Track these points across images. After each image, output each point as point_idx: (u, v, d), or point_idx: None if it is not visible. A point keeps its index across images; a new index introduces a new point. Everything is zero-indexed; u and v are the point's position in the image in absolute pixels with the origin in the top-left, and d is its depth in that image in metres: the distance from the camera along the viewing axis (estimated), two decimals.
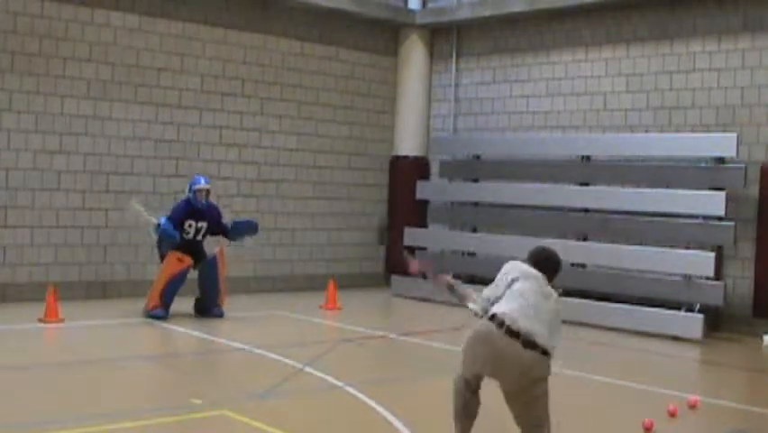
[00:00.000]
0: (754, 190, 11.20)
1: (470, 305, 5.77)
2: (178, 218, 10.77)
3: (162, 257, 10.87)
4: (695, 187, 11.29)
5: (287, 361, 8.41)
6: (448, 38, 14.93)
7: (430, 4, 14.93)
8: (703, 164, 11.36)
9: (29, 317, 10.22)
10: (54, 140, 11.73)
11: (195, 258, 10.90)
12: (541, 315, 5.35)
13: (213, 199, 11.29)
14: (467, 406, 5.62)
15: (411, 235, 14.18)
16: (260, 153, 13.63)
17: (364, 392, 7.22)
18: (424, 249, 14.26)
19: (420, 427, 6.36)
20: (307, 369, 8.06)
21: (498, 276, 5.68)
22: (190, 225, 10.81)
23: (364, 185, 14.92)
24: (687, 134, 11.82)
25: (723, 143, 11.11)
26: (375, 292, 14.25)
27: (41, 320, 10.10)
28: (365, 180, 14.94)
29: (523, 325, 5.21)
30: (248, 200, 13.45)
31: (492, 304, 5.51)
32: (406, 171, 14.86)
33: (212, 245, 11.25)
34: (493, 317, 5.34)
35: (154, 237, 10.91)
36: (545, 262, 5.74)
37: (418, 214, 14.41)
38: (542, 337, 5.27)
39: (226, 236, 11.30)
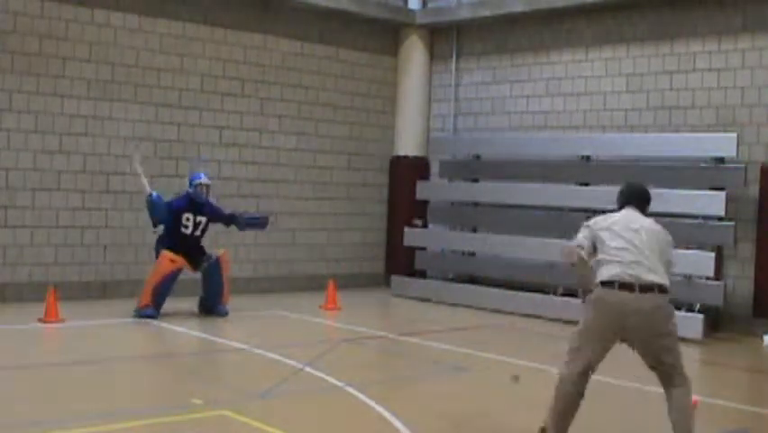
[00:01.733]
0: (754, 190, 11.20)
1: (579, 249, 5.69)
2: (176, 208, 10.82)
3: (157, 256, 10.87)
4: (695, 187, 11.29)
5: (287, 361, 8.41)
6: (448, 38, 14.93)
7: (430, 4, 14.93)
8: (703, 164, 11.36)
9: (29, 317, 10.22)
10: (54, 140, 11.73)
11: (194, 257, 10.92)
12: (648, 257, 5.50)
13: (212, 200, 11.30)
14: (574, 406, 5.63)
15: (411, 235, 14.19)
16: (260, 153, 13.63)
17: (364, 392, 7.22)
18: (423, 249, 14.28)
19: (420, 427, 6.36)
20: (307, 369, 8.06)
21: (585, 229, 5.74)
22: (188, 219, 10.85)
23: (364, 185, 14.92)
24: (687, 134, 11.82)
25: (723, 143, 11.11)
26: (375, 292, 14.25)
27: (40, 320, 10.10)
28: (365, 180, 14.94)
29: (630, 274, 5.39)
30: (248, 200, 13.45)
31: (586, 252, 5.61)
32: (406, 171, 14.87)
33: (215, 249, 11.32)
34: (601, 283, 5.46)
35: (153, 231, 10.97)
36: (631, 198, 5.90)
37: (418, 214, 14.40)
38: (656, 277, 5.47)
39: (237, 225, 11.40)
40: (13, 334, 9.63)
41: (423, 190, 14.31)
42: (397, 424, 6.35)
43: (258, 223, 11.73)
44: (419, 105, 15.12)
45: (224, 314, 11.02)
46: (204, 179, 10.99)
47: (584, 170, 12.46)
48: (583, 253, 5.62)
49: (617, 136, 12.48)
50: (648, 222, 5.78)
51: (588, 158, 12.48)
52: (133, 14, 12.33)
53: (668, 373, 5.51)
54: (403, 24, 14.92)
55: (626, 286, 5.39)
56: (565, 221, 12.57)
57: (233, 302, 11.54)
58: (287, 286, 13.83)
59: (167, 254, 10.71)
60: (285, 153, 13.93)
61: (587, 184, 12.40)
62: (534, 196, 12.83)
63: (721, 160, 11.20)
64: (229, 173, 13.26)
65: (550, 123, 13.55)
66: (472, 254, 13.72)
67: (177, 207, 10.85)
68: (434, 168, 14.87)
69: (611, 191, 12.25)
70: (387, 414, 6.60)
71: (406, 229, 14.24)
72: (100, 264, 12.16)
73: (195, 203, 10.91)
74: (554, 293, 12.18)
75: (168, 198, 11.13)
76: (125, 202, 12.28)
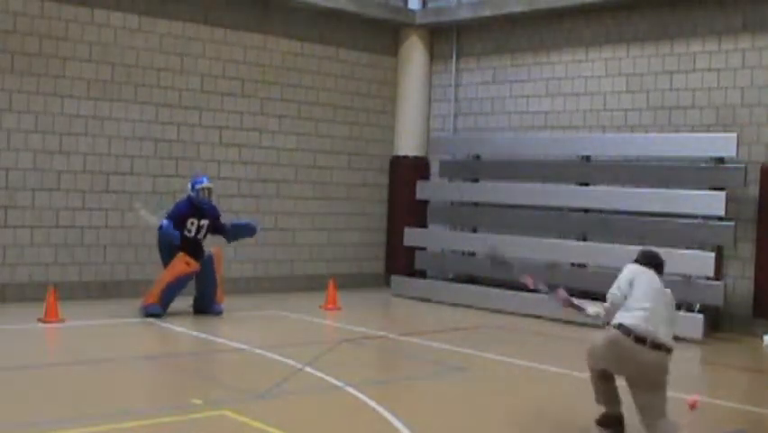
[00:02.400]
0: (754, 190, 11.20)
1: (590, 310, 6.60)
2: (179, 216, 10.83)
3: (166, 263, 10.88)
4: (695, 187, 11.29)
5: (287, 361, 8.41)
6: (448, 38, 14.93)
7: (430, 4, 14.93)
8: (703, 164, 11.36)
9: (29, 317, 10.22)
10: (54, 140, 11.73)
11: (197, 258, 10.95)
12: (662, 314, 6.09)
13: (212, 200, 11.30)
14: (606, 392, 6.34)
15: (411, 235, 14.19)
16: (260, 153, 13.63)
17: (364, 392, 7.22)
18: (423, 249, 14.28)
19: (420, 427, 6.36)
20: (307, 369, 8.06)
21: (619, 278, 6.32)
22: (192, 223, 10.88)
23: (364, 185, 14.92)
24: (687, 134, 11.82)
25: (723, 143, 11.11)
26: (375, 292, 14.25)
27: (40, 320, 10.10)
28: (365, 180, 14.94)
29: (649, 333, 5.96)
30: (248, 200, 13.45)
31: (617, 306, 6.22)
32: (406, 171, 14.87)
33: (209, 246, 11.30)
34: (620, 327, 6.03)
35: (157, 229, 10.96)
36: (652, 260, 6.44)
37: (418, 214, 14.40)
38: (665, 337, 6.03)
39: (225, 237, 11.37)
40: (13, 334, 9.63)
41: (423, 190, 14.31)
42: (397, 424, 6.35)
43: (245, 230, 11.57)
44: (419, 105, 15.12)
45: (218, 313, 11.02)
46: (206, 183, 11.02)
47: (584, 170, 12.46)
48: (612, 309, 6.29)
49: (617, 136, 12.48)
50: (664, 286, 6.32)
51: (588, 158, 12.48)
52: (133, 14, 12.33)
53: (646, 414, 6.04)
54: (403, 24, 14.92)
55: (640, 340, 5.96)
56: (565, 221, 12.60)
57: (233, 302, 11.55)
58: (287, 286, 13.83)
59: (183, 257, 10.74)
60: (285, 153, 13.92)
61: (587, 184, 12.40)
62: (534, 196, 12.83)
63: (721, 160, 11.20)
64: (229, 173, 13.25)
65: (550, 123, 13.55)
66: (472, 254, 13.72)
67: (180, 214, 10.85)
68: (434, 168, 14.87)
69: (611, 191, 12.39)
70: (387, 414, 6.60)
71: (407, 229, 14.24)
72: (100, 264, 12.16)
73: (197, 207, 10.93)
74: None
75: (169, 200, 11.14)
76: (125, 202, 12.28)
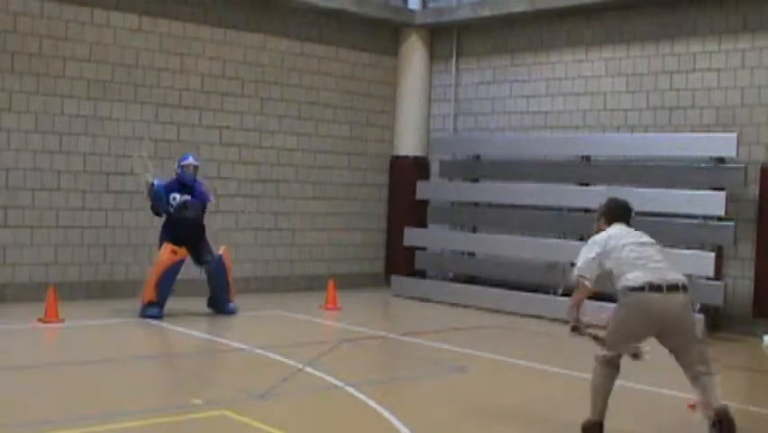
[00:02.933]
0: (754, 190, 11.20)
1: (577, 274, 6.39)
2: (161, 188, 10.87)
3: (161, 246, 10.91)
4: (695, 187, 11.29)
5: (287, 361, 8.41)
6: (448, 38, 14.93)
7: (430, 4, 14.93)
8: (703, 164, 11.36)
9: (29, 317, 10.22)
10: (54, 140, 11.73)
11: (196, 244, 10.95)
12: (660, 262, 6.02)
13: (200, 181, 11.33)
14: (604, 395, 6.15)
15: (411, 235, 14.19)
16: (260, 153, 13.63)
17: (364, 392, 7.22)
18: (423, 249, 14.28)
19: (420, 427, 6.36)
20: (307, 369, 8.06)
21: (589, 246, 6.27)
22: (174, 199, 10.89)
23: (364, 185, 14.92)
24: (687, 134, 11.81)
25: (723, 143, 11.11)
26: (375, 292, 14.25)
27: (40, 320, 10.10)
28: (365, 180, 14.94)
29: (657, 279, 5.88)
30: (248, 200, 13.45)
31: (596, 270, 6.17)
32: (406, 171, 14.86)
33: (217, 246, 11.35)
34: (630, 289, 5.93)
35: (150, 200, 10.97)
36: (621, 210, 6.59)
37: (418, 214, 14.40)
38: (674, 277, 5.95)
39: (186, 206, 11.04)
40: (13, 334, 9.63)
41: (423, 190, 14.31)
42: (397, 424, 6.35)
43: (191, 204, 11.10)
44: (419, 105, 15.11)
45: (231, 312, 11.13)
46: (191, 160, 11.10)
47: (584, 170, 12.46)
48: (588, 284, 6.26)
49: (617, 136, 12.48)
50: (643, 235, 6.29)
51: (588, 158, 12.48)
52: (133, 14, 12.33)
53: (696, 362, 5.98)
54: (403, 24, 14.92)
55: (655, 288, 5.87)
56: (565, 221, 12.60)
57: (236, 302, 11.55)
58: (287, 286, 13.83)
59: (168, 246, 10.77)
60: (285, 153, 13.92)
61: (587, 184, 12.40)
62: (534, 196, 12.83)
63: (721, 160, 11.20)
64: (229, 173, 13.25)
65: (550, 123, 13.55)
66: (472, 254, 13.72)
67: (163, 188, 10.88)
68: (434, 168, 14.87)
69: (611, 191, 12.36)
70: (387, 414, 6.60)
71: (407, 229, 14.24)
72: (100, 264, 12.15)
73: (182, 184, 10.98)
74: (554, 293, 12.18)
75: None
76: (125, 202, 12.29)
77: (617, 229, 6.31)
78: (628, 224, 6.43)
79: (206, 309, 11.22)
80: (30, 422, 6.12)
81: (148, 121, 12.48)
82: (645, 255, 6.06)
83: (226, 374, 8.33)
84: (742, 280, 11.39)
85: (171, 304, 10.95)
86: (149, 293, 10.71)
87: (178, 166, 11.07)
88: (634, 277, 5.95)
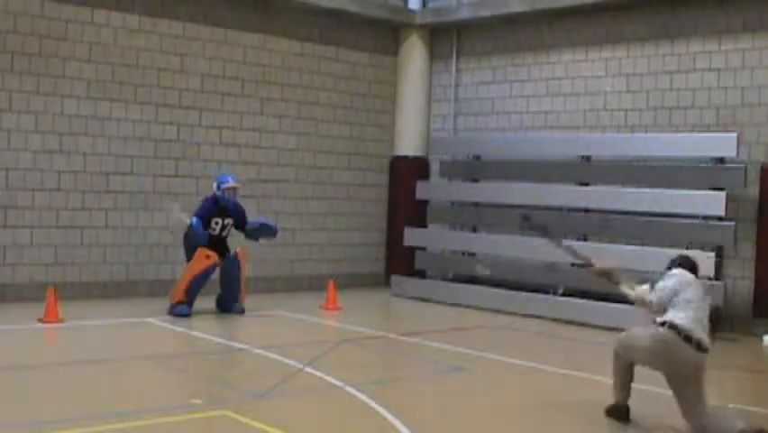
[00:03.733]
0: (754, 190, 11.20)
1: (628, 291, 6.81)
2: (205, 215, 10.98)
3: (188, 257, 11.01)
4: (695, 187, 11.29)
5: (287, 361, 8.41)
6: (448, 38, 14.93)
7: (430, 4, 14.93)
8: (703, 164, 11.36)
9: (29, 317, 10.22)
10: (54, 140, 11.73)
11: (219, 255, 11.08)
12: (704, 319, 6.53)
13: (239, 201, 11.45)
14: (624, 384, 6.73)
15: (411, 235, 14.18)
16: (260, 153, 13.63)
17: (364, 392, 7.22)
18: (423, 249, 14.28)
19: (420, 427, 6.36)
20: (307, 369, 8.06)
21: (664, 282, 6.61)
22: (216, 223, 11.05)
23: (364, 185, 14.92)
24: (687, 134, 11.81)
25: (723, 143, 11.11)
26: (375, 292, 14.25)
27: (40, 320, 10.10)
28: (365, 180, 14.93)
29: (696, 333, 6.38)
30: (248, 200, 13.40)
31: (662, 305, 6.50)
32: (406, 171, 14.86)
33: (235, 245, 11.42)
34: (670, 326, 6.36)
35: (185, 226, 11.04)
36: (692, 267, 6.82)
37: (418, 214, 14.40)
38: (706, 340, 6.47)
39: (246, 235, 11.50)
40: (13, 334, 9.63)
41: (423, 190, 14.30)
42: (397, 424, 6.35)
43: (260, 232, 11.58)
44: (419, 105, 15.11)
45: (239, 312, 11.17)
46: (231, 183, 11.17)
47: (584, 170, 12.46)
48: (653, 306, 6.56)
49: (617, 136, 12.48)
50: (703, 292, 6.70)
51: (588, 158, 12.48)
52: (133, 14, 12.33)
53: (684, 403, 6.44)
54: (403, 24, 14.92)
55: (688, 339, 6.35)
56: (565, 221, 12.59)
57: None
58: (287, 286, 13.83)
59: (203, 251, 10.88)
60: (285, 153, 13.92)
61: (587, 184, 12.40)
62: (534, 196, 12.83)
63: (721, 160, 11.20)
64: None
65: (550, 123, 13.55)
66: (472, 254, 13.72)
67: (206, 215, 10.99)
68: (434, 168, 14.87)
69: (611, 191, 12.37)
70: (387, 414, 6.60)
71: (407, 229, 14.24)
72: (100, 264, 12.15)
73: (222, 207, 11.08)
74: (554, 293, 12.18)
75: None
76: (125, 202, 12.29)
77: (690, 277, 6.68)
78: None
79: (210, 309, 11.18)
80: (30, 422, 6.13)
81: (148, 121, 12.48)
82: (698, 308, 6.52)
83: (226, 374, 8.33)
84: (742, 280, 11.39)
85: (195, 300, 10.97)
86: (179, 294, 10.85)
87: (218, 188, 11.10)
88: (679, 317, 6.37)
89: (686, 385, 6.40)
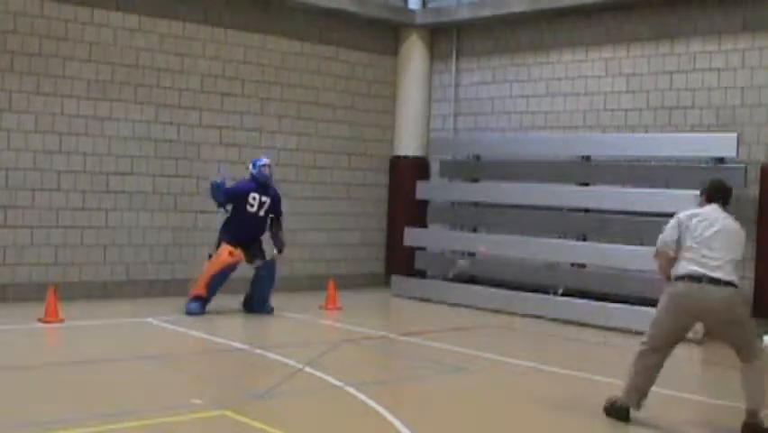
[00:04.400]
0: (754, 190, 11.20)
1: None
2: (240, 190, 11.16)
3: (219, 243, 11.12)
4: (695, 187, 11.24)
5: (287, 361, 8.41)
6: (448, 38, 14.93)
7: (430, 4, 14.93)
8: (703, 164, 11.36)
9: (29, 317, 10.22)
10: (54, 140, 11.73)
11: (253, 238, 11.23)
12: (721, 252, 6.36)
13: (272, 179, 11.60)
14: (644, 383, 6.60)
15: (411, 235, 14.18)
16: (260, 153, 13.60)
17: (364, 392, 7.22)
18: (423, 249, 14.28)
19: (420, 427, 6.36)
20: (307, 369, 8.06)
21: (670, 225, 6.65)
22: (254, 198, 11.17)
23: (364, 185, 14.92)
24: (687, 134, 11.81)
25: (723, 143, 11.11)
26: (375, 292, 14.25)
27: (41, 320, 10.10)
28: (365, 180, 14.94)
29: (702, 271, 6.29)
30: None
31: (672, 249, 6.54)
32: (406, 171, 14.86)
33: (271, 251, 11.51)
34: (677, 278, 6.39)
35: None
36: (718, 193, 6.74)
37: (418, 214, 14.40)
38: (729, 274, 6.32)
39: (273, 222, 11.57)
40: (13, 334, 9.63)
41: (423, 190, 14.31)
42: (397, 424, 6.35)
43: (280, 239, 11.63)
44: (419, 105, 15.11)
45: (270, 312, 11.33)
46: (266, 161, 11.44)
47: (584, 170, 12.47)
48: (671, 254, 6.56)
49: (617, 136, 12.48)
50: (728, 222, 6.55)
51: (588, 158, 12.48)
52: (133, 14, 12.33)
53: (739, 349, 6.41)
54: (403, 24, 14.92)
55: (694, 279, 6.30)
56: (565, 221, 12.60)
57: (233, 302, 11.55)
58: (287, 286, 13.82)
59: (226, 247, 10.99)
60: (285, 153, 13.92)
61: (587, 184, 12.41)
62: (534, 196, 12.83)
63: (721, 160, 11.20)
64: (229, 173, 13.23)
65: (550, 123, 13.55)
66: (472, 255, 13.72)
67: (243, 189, 11.18)
68: (434, 168, 14.87)
69: (611, 191, 12.37)
70: (387, 414, 6.60)
71: (407, 229, 14.24)
72: (100, 264, 12.15)
73: (260, 183, 11.25)
74: (554, 293, 12.18)
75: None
76: (125, 202, 12.29)
77: (704, 211, 6.61)
78: (725, 205, 6.69)
79: (209, 310, 11.17)
80: (30, 422, 6.13)
81: (148, 121, 12.48)
82: (704, 247, 6.38)
83: (226, 374, 8.33)
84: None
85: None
86: (199, 288, 10.97)
87: (254, 167, 11.31)
88: (681, 268, 6.39)
89: (729, 326, 6.37)
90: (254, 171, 11.32)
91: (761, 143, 11.34)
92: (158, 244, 12.58)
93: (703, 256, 6.34)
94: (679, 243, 6.52)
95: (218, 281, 11.06)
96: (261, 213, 11.29)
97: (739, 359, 6.42)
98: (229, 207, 11.21)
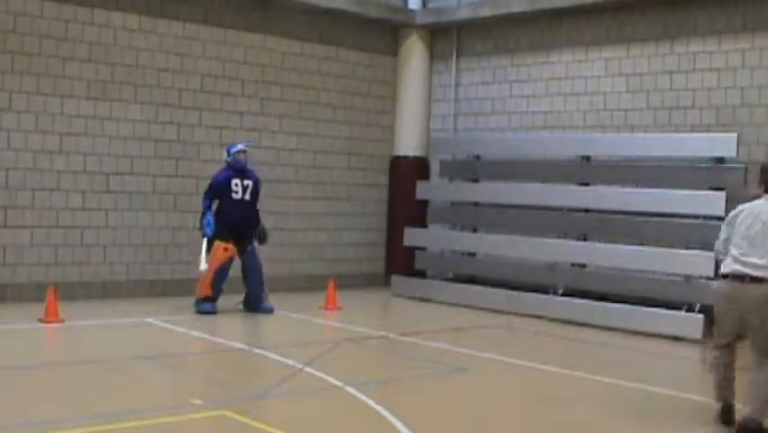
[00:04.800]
0: (753, 191, 11.17)
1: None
2: (220, 183, 11.10)
3: (209, 249, 11.10)
4: (695, 187, 11.29)
5: (287, 361, 8.41)
6: (448, 38, 14.93)
7: (430, 4, 14.93)
8: (703, 164, 11.36)
9: (29, 317, 10.22)
10: (54, 140, 11.73)
11: (247, 224, 11.21)
12: (762, 250, 6.18)
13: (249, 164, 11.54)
14: (722, 384, 6.57)
15: (411, 235, 14.18)
16: (260, 153, 13.61)
17: (364, 392, 7.22)
18: (423, 249, 14.28)
19: (420, 427, 6.36)
20: (307, 369, 8.06)
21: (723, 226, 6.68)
22: (237, 184, 11.15)
23: (364, 185, 14.92)
24: (687, 134, 11.81)
25: (723, 143, 11.11)
26: (375, 292, 14.25)
27: (41, 320, 10.10)
28: (365, 180, 14.93)
29: (742, 269, 6.18)
30: None
31: (724, 253, 6.53)
32: (406, 171, 14.86)
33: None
34: (726, 276, 6.30)
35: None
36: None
37: (418, 214, 14.40)
38: (763, 269, 6.10)
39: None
40: (13, 334, 9.63)
41: (423, 190, 14.30)
42: (397, 424, 6.35)
43: (260, 232, 11.64)
44: (419, 105, 15.11)
45: (268, 311, 11.29)
46: (241, 146, 11.36)
47: (584, 170, 12.46)
48: (723, 258, 6.54)
49: (617, 136, 12.48)
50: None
51: (588, 158, 12.48)
52: (133, 14, 12.33)
53: (760, 350, 6.31)
54: (403, 24, 14.92)
55: (737, 278, 6.23)
56: (565, 221, 12.60)
57: (233, 302, 11.54)
58: (287, 286, 13.82)
59: (220, 244, 11.00)
60: (285, 153, 13.92)
61: (587, 184, 12.40)
62: (534, 196, 12.83)
63: (721, 160, 11.20)
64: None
65: (550, 123, 13.55)
66: (472, 254, 13.72)
67: (221, 179, 11.14)
68: (434, 168, 14.87)
69: (611, 191, 12.37)
70: (387, 414, 6.60)
71: (407, 229, 14.24)
72: (100, 264, 12.15)
73: (236, 169, 11.20)
74: (554, 293, 12.18)
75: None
76: (125, 202, 12.29)
77: (750, 206, 6.60)
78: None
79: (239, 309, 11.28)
80: (30, 422, 6.13)
81: (148, 121, 12.48)
82: (745, 242, 6.31)
83: (226, 374, 8.33)
84: None
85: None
86: (205, 289, 11.01)
87: (228, 155, 11.27)
88: (725, 264, 6.35)
89: (763, 324, 6.24)
90: (229, 159, 11.28)
91: (761, 143, 11.34)
92: (158, 244, 12.58)
93: (745, 255, 6.29)
94: (728, 241, 6.53)
95: (221, 278, 11.10)
96: (248, 197, 11.25)
97: (755, 360, 6.36)
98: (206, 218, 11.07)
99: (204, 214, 11.11)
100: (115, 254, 12.26)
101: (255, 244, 11.42)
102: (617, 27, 12.80)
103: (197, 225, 11.33)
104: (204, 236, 11.08)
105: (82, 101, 11.92)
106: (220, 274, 11.09)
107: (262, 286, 11.41)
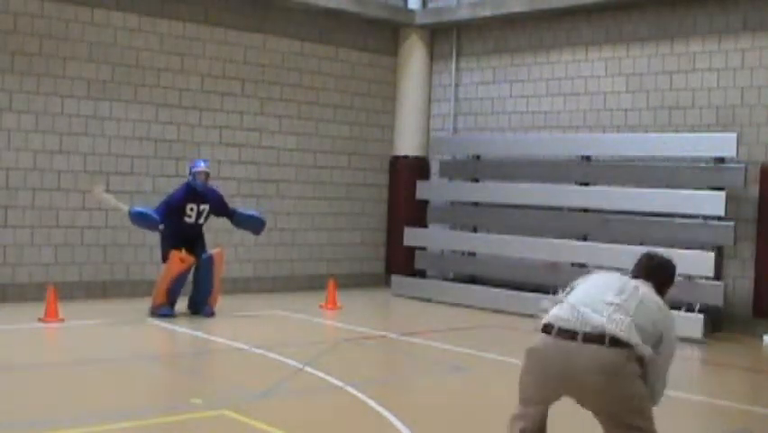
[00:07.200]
0: (754, 190, 11.20)
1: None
2: (176, 202, 10.76)
3: (164, 257, 10.86)
4: (695, 187, 11.29)
5: (287, 361, 8.41)
6: (448, 38, 14.93)
7: (430, 4, 14.93)
8: (703, 164, 11.36)
9: (29, 317, 10.22)
10: (54, 140, 11.73)
11: (194, 245, 10.90)
12: (606, 298, 4.38)
13: (215, 187, 11.33)
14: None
15: (411, 235, 14.18)
16: (260, 153, 13.63)
17: (364, 392, 7.22)
18: (423, 249, 14.28)
19: (420, 427, 6.36)
20: (307, 369, 8.06)
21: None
22: (192, 209, 10.82)
23: (364, 185, 14.92)
24: (687, 134, 11.81)
25: (723, 143, 11.11)
26: (375, 292, 14.25)
27: (41, 320, 10.10)
28: (365, 180, 14.94)
29: (576, 318, 4.35)
30: (248, 200, 13.44)
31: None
32: (406, 171, 14.86)
33: (212, 246, 11.30)
34: (543, 327, 4.46)
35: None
36: (649, 269, 4.84)
37: (418, 214, 14.40)
38: (611, 324, 4.19)
39: (231, 220, 11.26)
40: (13, 334, 9.63)
41: (423, 190, 14.30)
42: (398, 424, 6.35)
43: (253, 223, 11.40)
44: (419, 105, 15.11)
45: (208, 315, 10.87)
46: (202, 167, 10.88)
47: (584, 170, 12.46)
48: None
49: (617, 136, 12.48)
50: (647, 291, 4.71)
51: (588, 158, 12.48)
52: (133, 14, 12.33)
53: None
54: (403, 24, 14.92)
55: (565, 332, 4.41)
56: (565, 221, 12.60)
57: (233, 302, 11.56)
58: (287, 286, 13.83)
59: (176, 254, 10.72)
60: (285, 153, 13.93)
61: (587, 184, 12.40)
62: (534, 196, 12.83)
63: (721, 160, 11.20)
64: (229, 173, 13.25)
65: (550, 123, 13.55)
66: (472, 254, 13.72)
67: (177, 201, 10.78)
68: (434, 168, 14.87)
69: (611, 191, 12.38)
70: (387, 414, 6.60)
71: (407, 229, 14.24)
72: (100, 264, 12.15)
73: (195, 192, 10.84)
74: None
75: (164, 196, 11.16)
76: (125, 202, 12.26)
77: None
78: (657, 287, 4.96)
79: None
80: (30, 422, 6.13)
81: (148, 121, 12.48)
82: (592, 297, 4.65)
83: (226, 374, 8.33)
84: (742, 280, 11.39)
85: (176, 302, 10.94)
86: (160, 297, 10.72)
87: (190, 173, 10.94)
88: (551, 315, 4.69)
89: (609, 420, 4.41)
90: (189, 178, 10.88)
91: (761, 143, 11.34)
92: (157, 243, 12.52)
93: (578, 299, 4.79)
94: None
95: (176, 289, 10.77)
96: (201, 221, 10.92)
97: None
98: (133, 210, 10.71)
99: (146, 215, 10.61)
100: (115, 254, 12.26)
101: (208, 250, 11.05)
102: (617, 27, 12.80)
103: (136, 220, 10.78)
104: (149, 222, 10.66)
105: (82, 101, 11.92)
106: (175, 285, 10.74)
107: (210, 292, 10.96)
